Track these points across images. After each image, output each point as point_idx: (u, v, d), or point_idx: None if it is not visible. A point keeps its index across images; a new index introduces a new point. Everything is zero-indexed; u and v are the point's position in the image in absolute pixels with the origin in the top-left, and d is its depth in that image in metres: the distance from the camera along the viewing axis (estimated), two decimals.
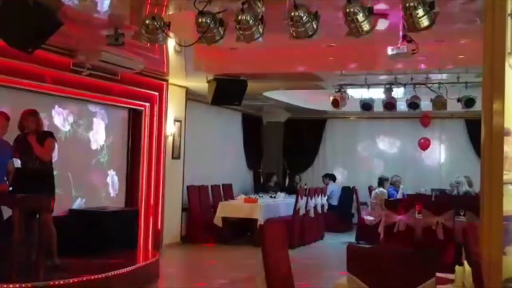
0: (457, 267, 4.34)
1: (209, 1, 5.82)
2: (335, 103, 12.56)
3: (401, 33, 7.70)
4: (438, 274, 3.72)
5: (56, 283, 7.03)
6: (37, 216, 7.54)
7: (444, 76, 11.47)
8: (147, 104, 11.12)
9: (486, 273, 3.68)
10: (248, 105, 14.83)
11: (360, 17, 5.48)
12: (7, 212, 7.28)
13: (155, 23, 6.23)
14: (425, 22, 5.34)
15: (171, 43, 9.54)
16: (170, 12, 7.71)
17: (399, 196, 13.15)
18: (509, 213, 3.96)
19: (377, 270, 3.67)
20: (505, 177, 3.99)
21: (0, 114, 7.39)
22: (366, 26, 5.54)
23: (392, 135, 16.95)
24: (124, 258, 8.83)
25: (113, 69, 9.60)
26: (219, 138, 14.96)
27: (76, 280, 7.19)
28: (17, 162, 7.66)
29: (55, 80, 8.84)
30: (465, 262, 4.36)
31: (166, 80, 11.56)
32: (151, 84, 11.10)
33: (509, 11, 4.17)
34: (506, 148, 4.02)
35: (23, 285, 6.69)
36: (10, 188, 7.36)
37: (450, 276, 4.21)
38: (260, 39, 5.93)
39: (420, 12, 5.27)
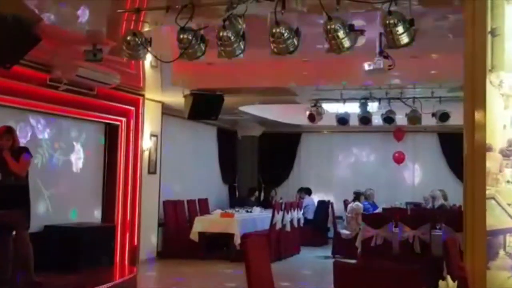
0: (440, 282, 4.39)
1: (190, 17, 5.83)
2: (311, 118, 12.65)
3: (377, 49, 7.81)
4: None
5: None
6: (13, 232, 7.44)
7: (418, 90, 11.61)
8: (123, 119, 11.06)
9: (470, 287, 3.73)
10: (223, 120, 14.84)
11: (341, 34, 5.53)
12: None
13: (136, 39, 6.22)
14: (405, 39, 5.41)
15: (148, 58, 9.52)
16: (147, 28, 7.70)
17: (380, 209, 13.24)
18: (492, 228, 4.03)
19: (363, 286, 3.69)
20: (487, 192, 4.07)
21: None
22: (347, 43, 5.60)
23: (366, 149, 17.09)
24: (101, 274, 8.76)
25: (89, 84, 9.55)
26: (195, 152, 14.94)
27: None
28: None
29: (31, 95, 8.75)
30: (448, 277, 4.42)
31: (142, 95, 11.51)
32: (127, 99, 11.05)
33: (489, 29, 4.27)
34: (488, 164, 4.09)
35: None
36: None
37: None
38: (242, 55, 5.96)
39: (400, 29, 5.35)
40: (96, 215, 10.70)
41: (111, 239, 10.15)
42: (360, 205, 12.99)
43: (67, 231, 9.42)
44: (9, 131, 7.55)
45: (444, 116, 11.90)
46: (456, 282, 3.88)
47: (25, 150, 7.67)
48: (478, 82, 4.17)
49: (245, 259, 4.67)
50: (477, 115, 4.12)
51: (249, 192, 16.23)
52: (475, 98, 4.18)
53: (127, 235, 11.02)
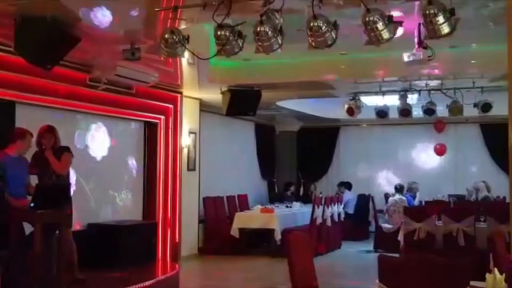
0: (487, 275, 4.30)
1: (227, 14, 5.81)
2: (350, 111, 12.53)
3: (416, 39, 7.68)
4: (472, 283, 3.68)
5: None
6: (57, 231, 7.53)
7: (458, 81, 11.39)
8: (162, 117, 11.16)
9: None
10: (260, 115, 14.79)
11: (380, 25, 5.44)
12: (28, 227, 7.26)
13: (174, 37, 6.22)
14: (445, 29, 5.31)
15: (185, 56, 9.55)
16: (183, 26, 7.71)
17: (416, 202, 13.08)
18: None
19: (409, 280, 3.64)
20: None
21: (26, 132, 7.36)
22: (386, 35, 5.51)
23: (406, 141, 16.82)
24: (144, 271, 8.84)
25: (128, 83, 9.64)
26: (233, 148, 14.97)
27: None
28: (34, 178, 7.66)
29: (71, 95, 8.87)
30: (495, 269, 4.32)
31: (180, 93, 11.59)
32: (165, 97, 11.14)
33: None
34: None
35: None
36: (32, 204, 7.34)
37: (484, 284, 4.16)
38: (279, 50, 5.92)
39: (441, 19, 5.24)
40: (137, 212, 10.80)
41: (153, 236, 10.25)
42: (404, 198, 12.86)
43: (109, 229, 9.54)
44: (51, 130, 7.63)
45: (486, 107, 11.67)
46: (504, 275, 3.79)
47: (67, 149, 7.75)
48: None
49: (288, 254, 4.65)
50: None
51: (285, 186, 16.22)
52: None
53: (169, 231, 11.13)
